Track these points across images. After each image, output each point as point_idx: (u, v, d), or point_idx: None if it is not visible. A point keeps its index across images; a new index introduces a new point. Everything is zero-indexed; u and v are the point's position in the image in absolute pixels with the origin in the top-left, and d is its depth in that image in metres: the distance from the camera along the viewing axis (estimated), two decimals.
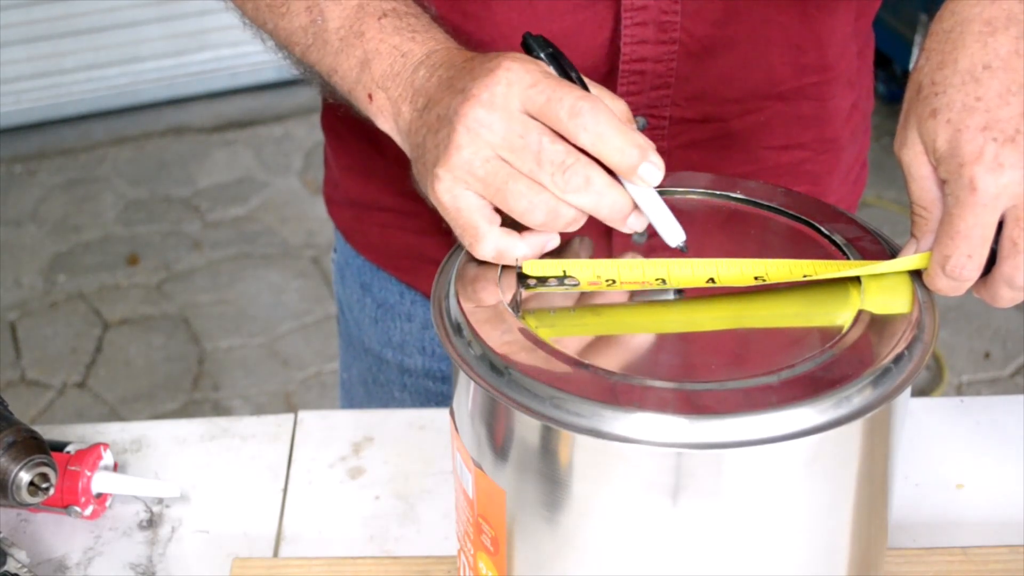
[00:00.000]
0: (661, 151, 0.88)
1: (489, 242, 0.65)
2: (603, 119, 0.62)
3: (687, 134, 0.88)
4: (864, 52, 0.97)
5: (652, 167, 0.63)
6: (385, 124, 0.72)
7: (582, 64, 0.84)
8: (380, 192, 0.99)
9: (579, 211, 0.64)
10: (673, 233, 0.66)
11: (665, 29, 0.83)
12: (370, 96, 0.72)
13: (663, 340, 0.63)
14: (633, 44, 0.83)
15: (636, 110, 0.86)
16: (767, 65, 0.87)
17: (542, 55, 0.67)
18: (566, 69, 0.66)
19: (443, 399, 1.06)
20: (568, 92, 0.63)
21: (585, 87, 0.66)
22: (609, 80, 0.85)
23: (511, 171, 0.63)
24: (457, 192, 0.65)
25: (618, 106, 0.67)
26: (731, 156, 0.90)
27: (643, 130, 0.87)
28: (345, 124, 0.99)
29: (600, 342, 0.63)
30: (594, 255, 0.69)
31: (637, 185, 0.64)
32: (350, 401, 1.16)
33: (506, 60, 0.64)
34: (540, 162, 0.63)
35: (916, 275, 0.65)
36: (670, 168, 0.90)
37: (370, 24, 0.73)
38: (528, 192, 0.63)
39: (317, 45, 0.76)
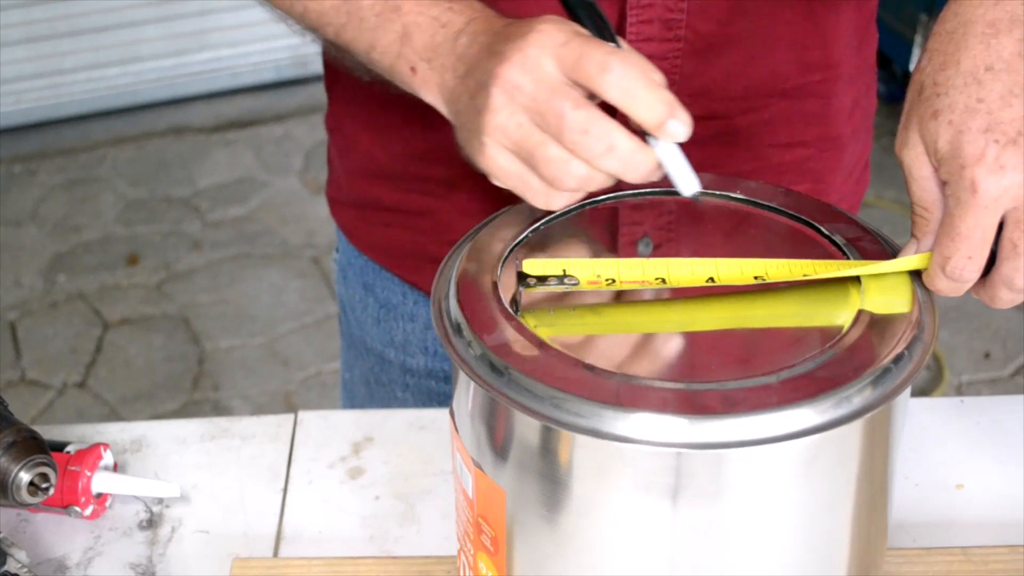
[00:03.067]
0: None
1: (557, 198, 0.66)
2: (633, 74, 0.63)
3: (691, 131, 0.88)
4: (865, 49, 0.97)
5: (679, 123, 0.64)
6: (429, 95, 0.72)
7: None
8: (385, 192, 0.99)
9: (607, 175, 0.65)
10: (689, 183, 0.66)
11: (671, 26, 0.83)
12: (413, 69, 0.72)
13: (663, 340, 0.63)
14: (639, 41, 0.83)
15: None
16: (772, 63, 0.87)
17: (579, 9, 0.67)
18: (601, 27, 0.66)
19: (446, 399, 1.06)
20: (598, 48, 0.63)
21: (617, 45, 0.66)
22: None
23: (541, 137, 0.64)
24: (500, 157, 0.66)
25: (649, 67, 0.66)
26: (735, 154, 0.90)
27: None
28: (350, 123, 0.99)
29: (600, 342, 0.63)
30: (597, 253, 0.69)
31: (663, 141, 0.64)
32: (352, 401, 1.16)
33: (540, 23, 0.65)
34: (563, 128, 0.63)
35: (916, 275, 0.65)
36: None
37: None
38: (557, 159, 0.64)
39: (352, 23, 0.75)
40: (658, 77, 0.65)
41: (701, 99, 0.87)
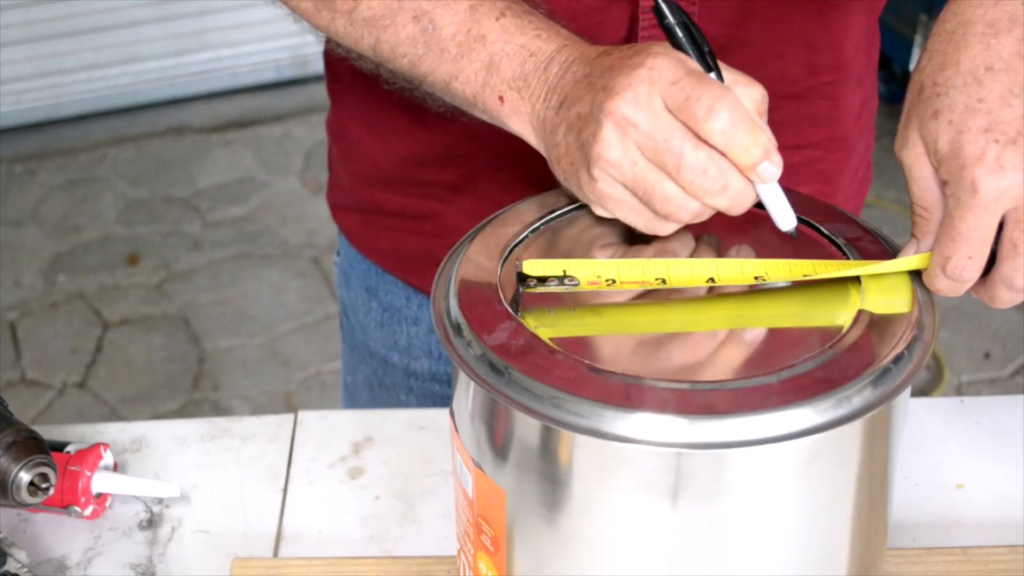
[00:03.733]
0: None
1: (668, 228, 0.67)
2: (737, 118, 0.63)
3: None
4: (871, 51, 0.97)
5: (771, 166, 0.64)
6: (518, 125, 0.72)
7: None
8: (389, 196, 0.98)
9: (715, 209, 0.66)
10: (786, 220, 0.67)
11: None
12: (501, 99, 0.72)
13: (663, 340, 0.63)
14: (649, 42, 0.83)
15: None
16: (782, 65, 0.87)
17: (674, 23, 0.67)
18: (699, 43, 0.67)
19: (449, 402, 1.06)
20: (707, 91, 0.63)
21: (719, 71, 0.66)
22: None
23: (658, 175, 0.64)
24: (613, 191, 0.66)
25: (754, 93, 0.67)
26: None
27: None
28: (353, 127, 0.99)
29: (600, 342, 0.63)
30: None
31: (756, 181, 0.65)
32: (354, 405, 1.16)
33: (649, 57, 0.65)
34: (681, 168, 0.63)
35: (916, 275, 0.65)
36: None
37: (489, 26, 0.72)
38: (674, 196, 0.64)
39: (431, 54, 0.74)
40: (764, 103, 0.66)
41: None
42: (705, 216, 0.66)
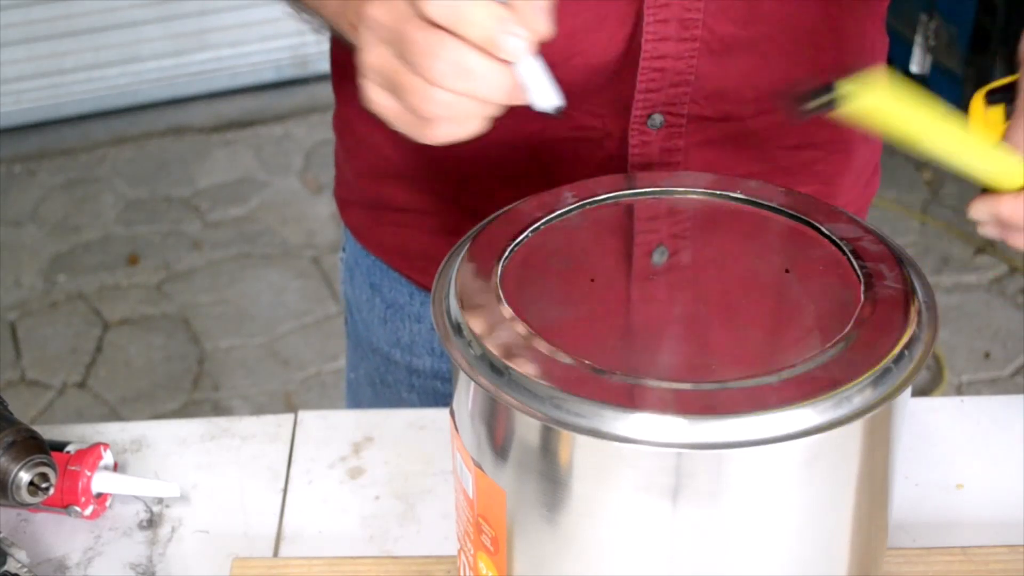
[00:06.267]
0: (677, 149, 0.88)
1: (433, 130, 0.63)
2: None
3: (704, 132, 0.88)
4: (875, 52, 0.97)
5: (512, 38, 0.60)
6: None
7: (602, 59, 0.84)
8: (396, 192, 0.99)
9: (467, 98, 0.62)
10: (545, 98, 0.63)
11: (687, 26, 0.83)
12: (352, 26, 0.70)
13: (663, 339, 0.63)
14: (655, 41, 0.83)
15: (654, 107, 0.86)
16: (787, 65, 0.87)
17: None
18: None
19: (451, 400, 1.06)
20: None
21: None
22: (628, 76, 0.85)
23: (400, 66, 0.62)
24: (376, 95, 0.64)
25: None
26: (745, 154, 0.91)
27: (660, 128, 0.87)
28: (359, 123, 0.99)
29: (600, 342, 0.63)
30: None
31: (506, 60, 0.61)
32: (356, 401, 1.16)
33: None
34: (414, 53, 0.61)
35: (916, 272, 0.65)
36: (687, 166, 0.89)
37: None
38: (419, 88, 0.61)
39: None
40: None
41: (716, 101, 0.87)
42: (468, 111, 0.62)
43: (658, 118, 0.87)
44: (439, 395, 1.06)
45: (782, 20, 0.85)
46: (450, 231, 0.95)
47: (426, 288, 1.02)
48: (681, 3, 0.82)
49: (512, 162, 0.90)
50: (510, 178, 0.90)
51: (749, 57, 0.86)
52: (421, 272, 1.02)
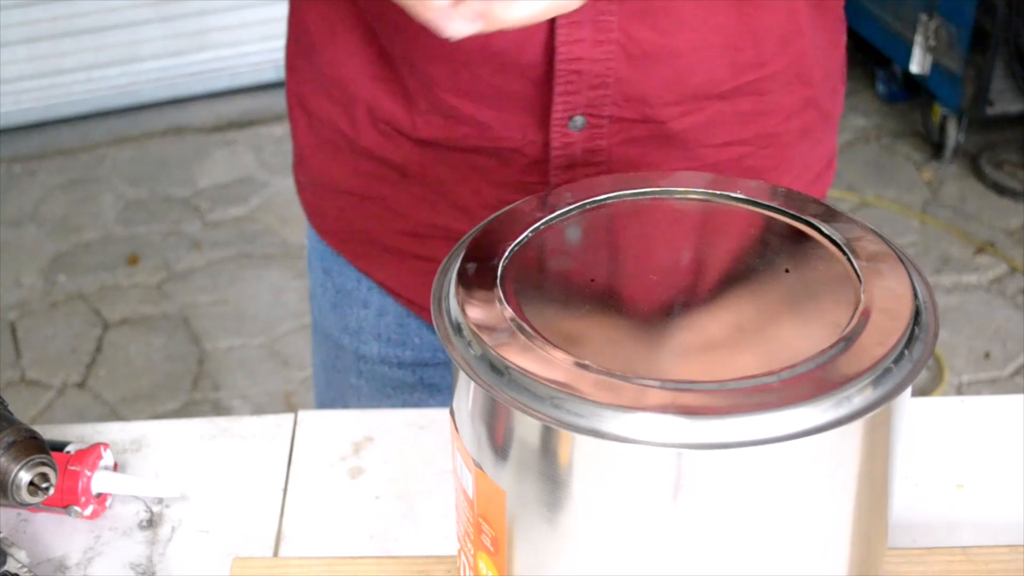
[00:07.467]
0: (600, 149, 0.89)
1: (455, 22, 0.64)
2: None
3: (627, 132, 0.88)
4: (824, 46, 0.95)
5: None
6: None
7: (521, 61, 0.84)
8: (340, 172, 0.98)
9: None
10: None
11: (602, 29, 0.83)
12: None
13: (663, 339, 0.63)
14: (569, 43, 0.83)
15: (575, 109, 0.86)
16: (707, 68, 0.87)
17: None
18: None
19: (400, 385, 1.06)
20: None
21: None
22: (547, 78, 0.85)
23: None
24: None
25: None
26: (671, 153, 0.90)
27: (582, 129, 0.87)
28: (310, 95, 0.99)
29: (600, 342, 0.63)
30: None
31: None
32: (317, 390, 1.15)
33: None
34: None
35: (916, 272, 0.65)
36: (610, 164, 0.90)
37: None
38: None
39: None
40: None
41: (637, 104, 0.87)
42: None
43: (579, 120, 0.87)
44: (387, 380, 1.05)
45: (699, 23, 0.85)
46: (388, 219, 0.94)
47: (369, 275, 1.02)
48: (595, 5, 0.82)
49: (457, 155, 0.91)
50: (454, 168, 0.90)
51: (670, 63, 0.86)
52: (362, 258, 1.01)
